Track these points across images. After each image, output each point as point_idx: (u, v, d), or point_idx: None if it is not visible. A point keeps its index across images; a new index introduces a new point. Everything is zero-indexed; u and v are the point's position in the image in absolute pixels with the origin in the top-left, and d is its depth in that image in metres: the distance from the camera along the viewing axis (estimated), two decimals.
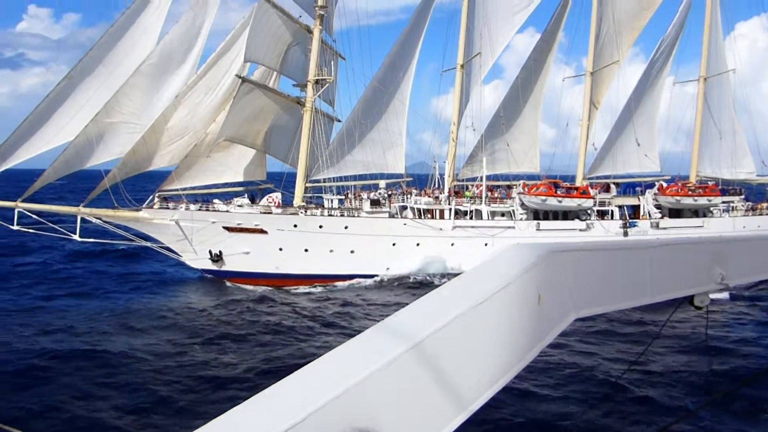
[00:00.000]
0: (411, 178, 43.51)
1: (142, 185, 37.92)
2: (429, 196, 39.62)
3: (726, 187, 45.84)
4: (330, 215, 37.36)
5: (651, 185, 44.15)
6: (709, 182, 45.52)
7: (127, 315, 28.09)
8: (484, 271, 2.14)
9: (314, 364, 1.60)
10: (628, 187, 46.41)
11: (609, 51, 45.26)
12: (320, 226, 36.59)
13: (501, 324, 2.01)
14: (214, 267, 37.15)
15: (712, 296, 3.25)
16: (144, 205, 36.82)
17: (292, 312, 29.26)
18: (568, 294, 2.43)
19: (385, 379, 1.57)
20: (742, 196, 45.83)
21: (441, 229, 37.62)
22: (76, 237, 35.52)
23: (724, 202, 43.65)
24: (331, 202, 39.45)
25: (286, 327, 25.96)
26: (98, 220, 36.29)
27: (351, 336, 1.66)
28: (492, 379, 1.94)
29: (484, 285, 1.99)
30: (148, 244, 37.08)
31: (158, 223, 36.22)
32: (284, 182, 41.06)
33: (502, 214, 39.47)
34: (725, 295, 25.18)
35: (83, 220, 35.77)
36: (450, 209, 38.16)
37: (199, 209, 36.81)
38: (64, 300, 30.78)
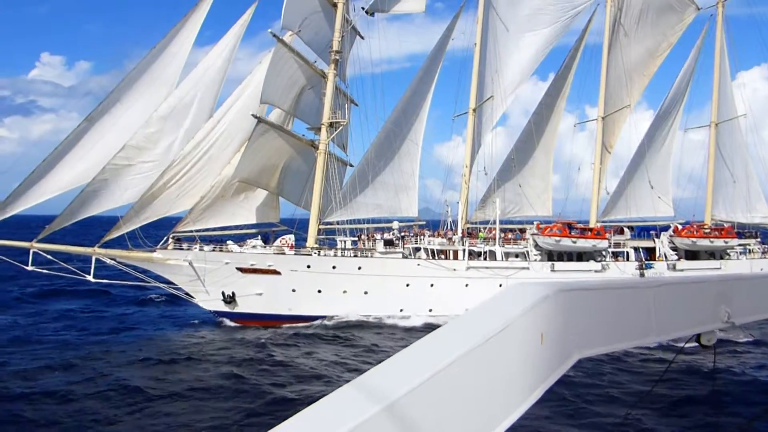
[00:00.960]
0: (424, 222, 43.51)
1: (154, 228, 37.99)
2: (442, 237, 39.50)
3: (741, 231, 45.54)
4: (343, 256, 37.26)
5: (666, 228, 43.91)
6: (725, 225, 45.27)
7: (136, 353, 27.94)
8: (486, 312, 2.12)
9: (320, 403, 1.58)
10: (642, 231, 46.10)
11: (620, 96, 45.79)
12: (334, 267, 36.45)
13: (503, 364, 1.98)
14: (226, 308, 36.92)
15: (722, 335, 3.22)
16: (158, 246, 36.92)
17: (299, 353, 28.85)
18: (571, 334, 2.41)
19: (385, 422, 1.54)
20: (758, 239, 45.47)
21: (455, 269, 37.37)
22: (90, 278, 35.54)
23: (740, 245, 43.27)
24: (344, 243, 39.40)
25: (291, 368, 25.58)
26: (112, 261, 36.38)
27: (355, 375, 1.67)
28: (494, 421, 1.90)
29: (486, 325, 1.96)
30: (161, 285, 37.00)
31: (172, 263, 36.24)
32: (297, 226, 41.16)
33: (516, 255, 39.25)
34: (744, 336, 24.82)
35: (97, 261, 35.93)
36: (464, 250, 37.99)
37: (213, 250, 36.86)
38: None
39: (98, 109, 35.77)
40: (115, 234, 37.01)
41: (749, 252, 43.83)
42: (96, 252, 35.76)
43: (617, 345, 2.70)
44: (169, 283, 36.93)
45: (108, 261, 36.29)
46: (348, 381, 1.65)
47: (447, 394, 1.72)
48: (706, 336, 3.16)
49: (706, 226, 44.33)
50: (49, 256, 35.63)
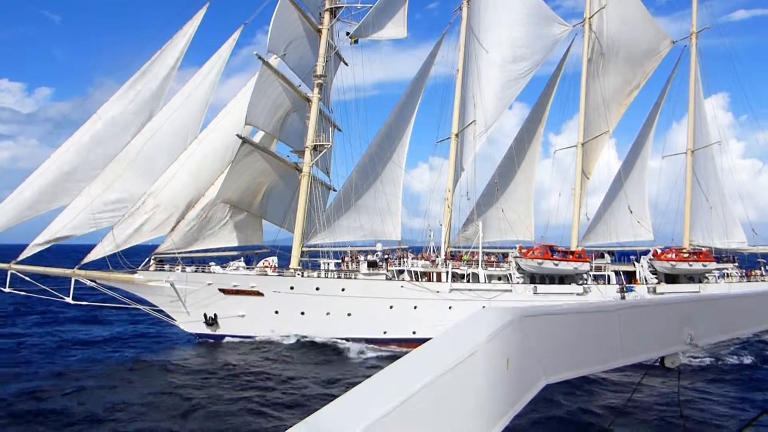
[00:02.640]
0: (407, 246, 43.60)
1: (136, 249, 37.64)
2: (426, 260, 39.60)
3: (719, 255, 46.27)
4: (327, 277, 37.15)
5: (645, 253, 44.47)
6: (703, 249, 46.00)
7: (113, 374, 27.52)
8: (451, 338, 2.09)
9: None
10: (623, 255, 46.67)
11: (597, 124, 46.74)
12: (317, 288, 36.31)
13: (469, 392, 1.94)
14: (208, 330, 36.52)
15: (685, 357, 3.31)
16: (139, 268, 36.55)
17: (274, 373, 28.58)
18: (537, 359, 2.39)
19: None
20: (736, 264, 46.22)
21: (438, 291, 37.39)
22: (68, 299, 35.05)
23: (718, 269, 43.91)
24: (328, 265, 39.33)
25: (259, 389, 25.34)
26: (92, 283, 35.91)
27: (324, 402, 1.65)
28: None
29: (451, 352, 1.93)
30: (141, 307, 36.52)
31: (153, 285, 35.86)
32: (279, 249, 41.05)
33: (499, 278, 39.41)
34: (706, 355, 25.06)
35: (77, 282, 35.45)
36: (447, 272, 38.08)
37: (195, 272, 36.59)
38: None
39: (81, 129, 35.69)
40: (95, 256, 36.64)
41: (727, 276, 44.46)
42: (75, 273, 35.31)
43: (583, 369, 2.68)
44: (149, 304, 36.51)
45: (88, 282, 35.82)
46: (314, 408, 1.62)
47: (412, 425, 1.68)
48: (670, 358, 3.17)
49: (684, 251, 44.96)
50: (27, 278, 35.09)
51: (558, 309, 2.61)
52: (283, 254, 39.86)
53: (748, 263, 49.44)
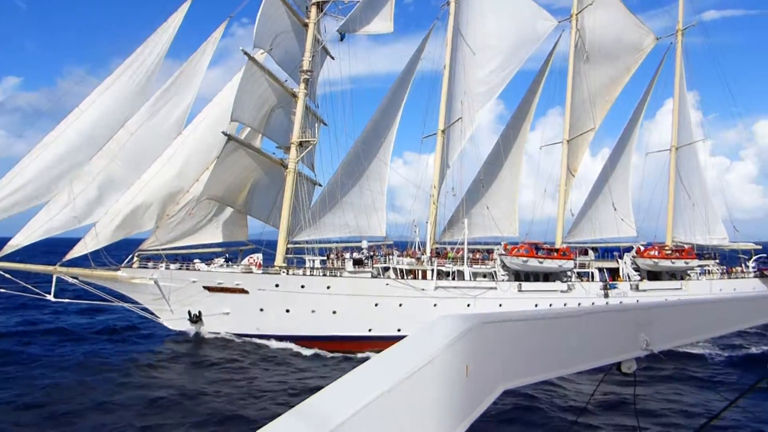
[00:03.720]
0: (392, 242, 43.60)
1: (119, 245, 37.27)
2: (411, 257, 39.62)
3: (701, 252, 46.78)
4: (312, 275, 37.06)
5: (628, 250, 44.85)
6: (685, 246, 46.47)
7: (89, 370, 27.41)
8: (411, 345, 2.09)
9: None
10: (606, 252, 47.03)
11: (583, 121, 46.90)
12: (302, 286, 36.20)
13: (428, 399, 1.94)
14: (192, 328, 36.35)
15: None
16: (123, 265, 36.23)
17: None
18: (496, 365, 2.42)
19: None
20: (717, 261, 46.77)
21: (423, 289, 37.45)
22: (50, 297, 34.58)
23: (700, 266, 44.40)
24: (313, 262, 39.20)
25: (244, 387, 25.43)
26: (75, 280, 35.52)
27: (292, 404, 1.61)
28: None
29: (410, 359, 1.93)
30: (125, 304, 36.23)
31: (137, 282, 35.57)
32: (265, 245, 40.88)
33: (484, 275, 39.56)
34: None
35: (59, 279, 35.04)
36: (432, 270, 38.14)
37: (179, 269, 36.34)
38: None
39: (63, 123, 35.05)
40: (77, 252, 36.24)
41: (708, 273, 44.99)
42: (57, 271, 34.89)
43: (541, 375, 2.70)
44: (133, 302, 36.23)
45: (70, 280, 35.43)
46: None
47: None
48: (627, 364, 3.20)
49: (667, 248, 45.38)
50: (8, 275, 34.59)
51: (517, 315, 2.61)
52: (267, 251, 39.68)
53: (729, 259, 50.09)
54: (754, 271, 46.38)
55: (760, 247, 49.16)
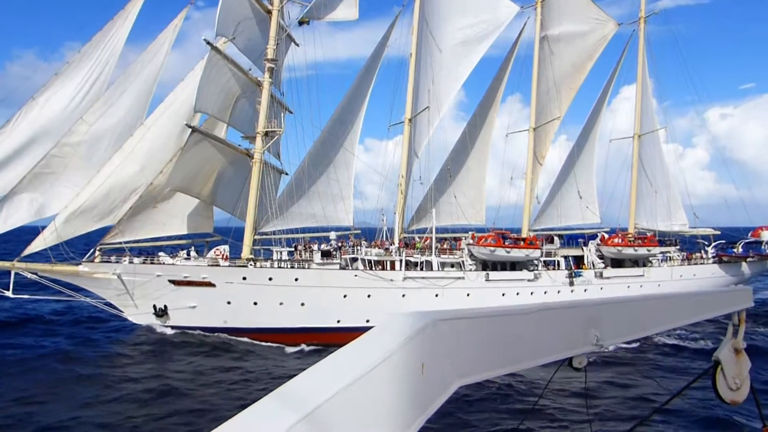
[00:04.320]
0: (359, 230, 43.45)
1: (83, 238, 36.36)
2: (379, 248, 39.52)
3: (662, 239, 47.72)
4: (280, 267, 36.70)
5: (593, 237, 45.50)
6: (647, 233, 47.33)
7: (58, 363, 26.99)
8: (367, 343, 2.13)
9: None
10: (571, 239, 47.67)
11: (549, 109, 47.16)
12: (270, 279, 35.86)
13: (384, 397, 1.98)
14: (158, 322, 35.77)
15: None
16: (84, 259, 35.36)
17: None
18: (450, 362, 2.45)
19: None
20: (678, 247, 47.78)
21: (392, 280, 37.44)
22: (8, 293, 33.64)
23: (661, 253, 45.30)
24: (281, 254, 38.78)
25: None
26: (34, 276, 34.54)
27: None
28: None
29: (367, 357, 1.97)
30: (88, 299, 35.44)
31: (99, 278, 34.76)
32: (232, 235, 40.32)
33: (452, 265, 39.70)
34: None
35: (17, 275, 34.05)
36: (401, 260, 38.12)
37: (143, 263, 35.60)
38: None
39: (18, 115, 33.87)
40: (36, 247, 35.25)
41: (669, 259, 45.93)
42: (15, 266, 33.92)
43: (495, 371, 2.75)
44: (97, 297, 35.44)
45: (29, 276, 34.44)
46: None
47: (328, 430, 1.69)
48: (578, 359, 3.26)
49: (630, 235, 46.15)
50: None
51: (471, 313, 2.67)
52: (233, 242, 39.17)
53: (689, 245, 51.23)
54: (713, 257, 47.48)
55: (719, 232, 50.37)
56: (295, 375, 1.82)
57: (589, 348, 3.25)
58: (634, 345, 31.35)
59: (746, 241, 48.47)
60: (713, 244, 48.94)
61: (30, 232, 35.30)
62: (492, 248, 39.57)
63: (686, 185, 55.87)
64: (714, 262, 47.02)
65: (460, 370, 2.48)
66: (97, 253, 36.06)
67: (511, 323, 2.87)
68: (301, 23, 40.70)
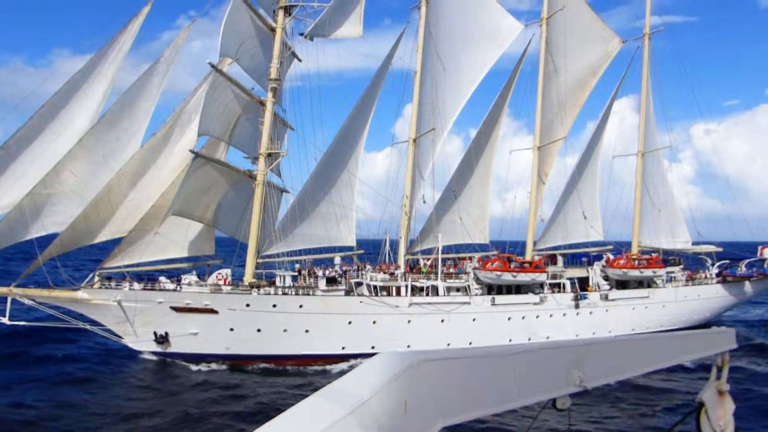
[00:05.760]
0: (362, 251, 42.82)
1: (82, 261, 35.53)
2: (384, 272, 38.90)
3: (666, 257, 47.42)
4: (285, 293, 36.01)
5: (597, 257, 45.11)
6: (652, 253, 47.03)
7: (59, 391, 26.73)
8: (351, 382, 2.16)
9: None
10: (574, 258, 47.30)
11: (553, 126, 46.62)
12: (274, 305, 35.19)
13: None
14: (158, 349, 35.01)
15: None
16: (83, 284, 34.52)
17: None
18: (434, 402, 2.48)
19: None
20: (682, 266, 47.51)
21: (397, 306, 36.88)
22: (5, 320, 32.80)
23: (666, 273, 45.01)
24: (284, 278, 38.02)
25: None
26: (31, 302, 33.69)
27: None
28: None
29: (351, 395, 2.01)
30: (87, 326, 34.56)
31: (98, 303, 33.94)
32: (237, 252, 39.53)
33: (458, 290, 39.17)
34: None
35: (14, 300, 33.18)
36: (406, 286, 37.54)
37: (144, 288, 34.79)
38: None
39: (16, 136, 32.94)
40: (32, 269, 34.54)
41: (673, 280, 45.65)
42: (12, 292, 33.11)
43: (478, 412, 2.75)
44: (96, 323, 34.59)
45: (27, 302, 33.59)
46: None
47: None
48: (561, 400, 3.26)
49: (634, 256, 45.80)
50: None
51: (454, 353, 2.68)
52: (237, 268, 38.42)
53: (690, 261, 51.03)
54: (717, 277, 47.27)
55: (721, 249, 50.14)
56: (285, 409, 1.82)
57: (573, 389, 3.28)
58: (617, 385, 30.92)
59: (749, 260, 48.33)
60: (717, 264, 48.71)
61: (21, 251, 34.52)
62: (498, 272, 39.08)
63: (689, 202, 55.39)
64: (718, 282, 46.80)
65: (443, 411, 2.50)
66: (96, 277, 35.24)
67: (495, 364, 2.90)
68: (305, 37, 39.88)
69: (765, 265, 48.01)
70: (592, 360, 3.44)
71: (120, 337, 35.04)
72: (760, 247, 49.24)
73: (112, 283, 34.87)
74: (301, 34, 40.06)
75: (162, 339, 34.87)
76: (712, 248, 49.88)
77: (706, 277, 47.26)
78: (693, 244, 51.05)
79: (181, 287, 35.20)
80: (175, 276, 37.15)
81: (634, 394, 30.77)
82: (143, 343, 34.97)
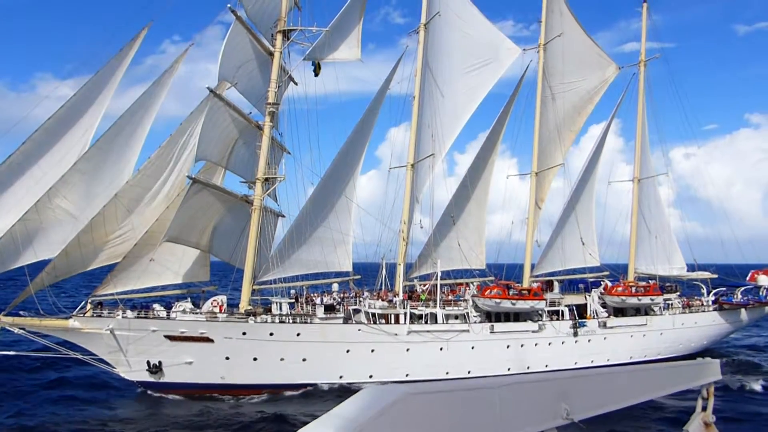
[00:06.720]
0: (359, 276, 42.29)
1: (73, 288, 34.65)
2: (383, 299, 38.36)
3: (663, 284, 47.30)
4: (282, 321, 35.33)
5: (595, 283, 44.90)
6: (649, 280, 46.89)
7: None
8: (339, 416, 2.18)
9: None
10: (570, 284, 47.04)
11: (549, 152, 46.56)
12: (271, 334, 34.51)
13: None
14: (151, 378, 34.11)
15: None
16: (75, 313, 33.63)
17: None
18: None
19: None
20: (678, 293, 47.40)
21: (396, 334, 36.33)
22: None
23: (663, 300, 44.86)
24: (280, 305, 37.33)
25: None
26: (21, 331, 32.72)
27: None
28: None
29: (338, 430, 2.04)
30: (78, 355, 33.60)
31: (91, 332, 33.05)
32: (233, 278, 38.79)
33: (456, 317, 38.71)
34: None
35: (2, 329, 32.23)
36: (405, 313, 37.02)
37: (138, 316, 33.95)
38: None
39: (7, 162, 32.19)
40: (23, 297, 33.60)
41: (670, 307, 45.49)
42: (2, 321, 32.09)
43: None
44: (87, 352, 33.65)
45: (16, 330, 32.62)
46: None
47: None
48: None
49: (631, 283, 45.61)
50: None
51: (441, 387, 2.69)
52: (232, 296, 37.70)
53: (687, 288, 50.96)
54: (713, 304, 47.19)
55: (716, 275, 50.10)
56: None
57: (560, 422, 3.25)
58: (604, 416, 30.28)
59: (745, 287, 48.33)
60: (713, 291, 48.64)
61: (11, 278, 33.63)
62: (498, 300, 38.69)
63: (684, 228, 55.42)
64: (714, 310, 46.70)
65: None
66: (88, 305, 34.37)
67: (481, 396, 2.88)
68: (316, 72, 39.78)
69: (761, 293, 48.04)
70: (578, 392, 3.44)
71: (112, 366, 34.13)
72: (752, 272, 49.34)
73: (105, 311, 34.02)
74: (312, 64, 39.86)
75: (155, 369, 34.01)
76: (707, 275, 49.82)
77: (702, 304, 47.14)
78: (688, 269, 51.00)
79: (171, 315, 34.42)
80: (167, 303, 36.37)
81: (621, 423, 30.33)
82: (135, 374, 34.08)
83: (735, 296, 47.69)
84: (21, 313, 33.28)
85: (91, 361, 33.87)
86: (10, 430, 26.15)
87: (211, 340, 33.86)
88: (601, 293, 43.15)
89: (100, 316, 33.65)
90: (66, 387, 34.68)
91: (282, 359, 34.64)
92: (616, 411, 3.83)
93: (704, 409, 4.75)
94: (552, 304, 41.39)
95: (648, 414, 30.92)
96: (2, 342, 32.67)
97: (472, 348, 37.77)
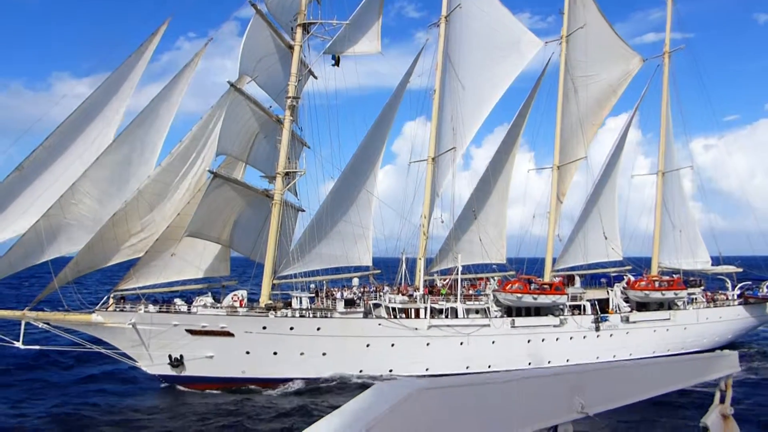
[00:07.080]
0: (379, 270, 42.16)
1: (95, 284, 34.93)
2: (403, 294, 38.21)
3: (687, 278, 46.62)
4: (302, 316, 35.34)
5: (618, 278, 44.35)
6: (673, 274, 46.23)
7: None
8: (352, 411, 2.20)
9: None
10: (592, 278, 46.53)
11: (571, 145, 45.97)
12: (291, 328, 34.54)
13: None
14: (173, 372, 34.32)
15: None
16: (97, 307, 33.90)
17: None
18: (435, 430, 2.49)
19: None
20: (703, 287, 46.69)
21: (416, 328, 36.19)
22: (19, 344, 32.10)
23: (687, 294, 44.22)
24: (300, 300, 37.30)
25: None
26: (46, 325, 33.05)
27: None
28: None
29: (352, 425, 2.03)
30: (102, 349, 33.90)
31: (113, 326, 33.30)
32: (253, 272, 38.85)
33: (477, 312, 38.47)
34: None
35: (28, 324, 32.56)
36: (426, 308, 36.85)
37: (159, 310, 34.15)
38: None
39: (31, 158, 32.44)
40: (47, 292, 34.01)
41: (694, 301, 44.84)
42: (26, 316, 32.46)
43: None
44: (110, 346, 33.92)
45: (41, 325, 32.95)
46: None
47: None
48: (563, 427, 3.20)
49: (655, 277, 44.99)
50: None
51: (454, 381, 2.67)
52: (252, 290, 37.75)
53: (709, 280, 50.16)
54: (738, 298, 46.43)
55: (741, 269, 49.29)
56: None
57: (575, 415, 3.22)
58: (619, 410, 29.89)
59: None
60: (738, 285, 47.82)
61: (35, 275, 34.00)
62: (519, 295, 38.37)
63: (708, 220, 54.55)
64: (739, 304, 45.95)
65: None
66: (111, 300, 34.62)
67: (495, 391, 2.86)
68: (336, 63, 39.62)
69: None
70: (593, 386, 3.41)
71: (135, 360, 34.41)
72: None
73: (127, 306, 34.27)
74: (332, 57, 39.73)
75: (177, 362, 34.22)
76: (732, 269, 49.00)
77: (726, 299, 46.40)
78: (713, 262, 50.19)
79: (192, 309, 34.59)
80: (189, 297, 36.53)
81: (635, 418, 29.95)
82: (157, 367, 34.32)
83: (761, 290, 46.86)
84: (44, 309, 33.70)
85: (114, 355, 34.18)
86: (54, 419, 26.76)
87: (232, 335, 33.97)
88: (623, 288, 42.62)
89: (122, 310, 33.91)
90: (98, 382, 35.09)
91: (302, 353, 34.66)
92: (631, 404, 3.79)
93: (722, 401, 4.67)
94: (574, 298, 40.95)
95: (664, 406, 30.57)
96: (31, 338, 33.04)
97: (493, 343, 37.53)
